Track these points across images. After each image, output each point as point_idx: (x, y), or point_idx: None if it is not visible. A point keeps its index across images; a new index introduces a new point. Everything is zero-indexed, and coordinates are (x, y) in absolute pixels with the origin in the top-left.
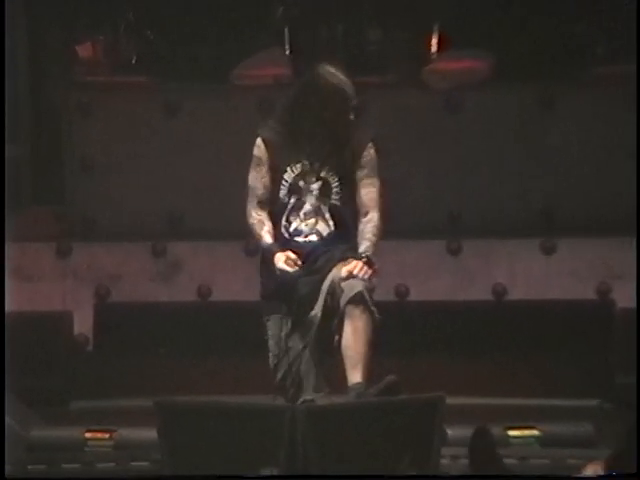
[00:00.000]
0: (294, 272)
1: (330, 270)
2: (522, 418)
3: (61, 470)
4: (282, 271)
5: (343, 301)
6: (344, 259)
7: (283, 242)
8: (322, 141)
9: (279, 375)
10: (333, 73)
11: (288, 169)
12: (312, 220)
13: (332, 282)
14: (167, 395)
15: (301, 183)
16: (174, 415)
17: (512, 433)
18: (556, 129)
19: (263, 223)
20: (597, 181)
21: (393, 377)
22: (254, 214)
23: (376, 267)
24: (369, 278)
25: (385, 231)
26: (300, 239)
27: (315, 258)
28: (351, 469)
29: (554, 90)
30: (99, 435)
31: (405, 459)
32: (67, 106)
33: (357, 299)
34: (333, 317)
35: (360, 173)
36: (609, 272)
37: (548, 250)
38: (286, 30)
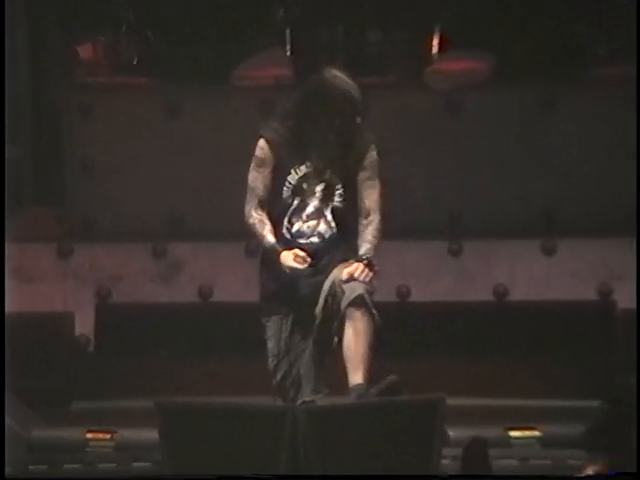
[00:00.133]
0: (304, 270)
1: (331, 272)
2: (523, 419)
3: (62, 471)
4: (292, 269)
5: (344, 303)
6: (345, 261)
7: (285, 243)
8: (328, 145)
9: (279, 376)
10: (340, 77)
11: (292, 171)
12: (314, 222)
13: (333, 284)
14: (168, 396)
15: (304, 185)
16: (175, 416)
17: (513, 434)
18: (556, 130)
19: (264, 223)
20: (597, 181)
21: (394, 377)
22: (254, 214)
23: (377, 269)
24: (370, 281)
25: (386, 232)
26: (302, 241)
27: (317, 260)
28: (352, 469)
29: (554, 91)
30: (100, 436)
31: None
32: (68, 107)
33: (358, 302)
34: (333, 319)
35: (362, 175)
36: (610, 273)
37: (549, 251)
38: (287, 31)
